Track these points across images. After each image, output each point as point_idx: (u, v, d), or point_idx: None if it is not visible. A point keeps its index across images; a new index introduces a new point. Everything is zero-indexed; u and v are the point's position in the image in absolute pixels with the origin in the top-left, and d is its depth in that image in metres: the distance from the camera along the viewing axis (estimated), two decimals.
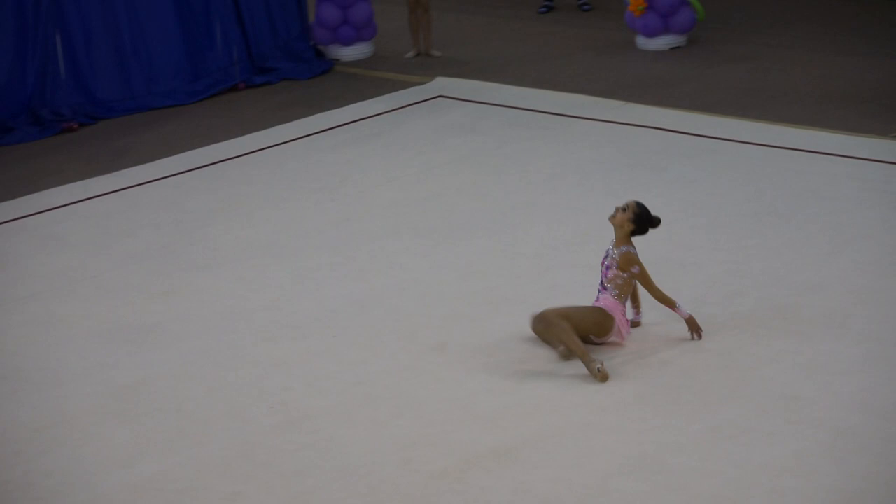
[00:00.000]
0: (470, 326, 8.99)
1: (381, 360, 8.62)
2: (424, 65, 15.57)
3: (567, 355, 8.33)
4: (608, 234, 10.26)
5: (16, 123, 13.79)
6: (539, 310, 8.52)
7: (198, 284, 9.93)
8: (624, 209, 8.58)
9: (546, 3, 17.86)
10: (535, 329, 8.50)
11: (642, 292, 8.71)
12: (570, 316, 8.40)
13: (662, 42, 15.64)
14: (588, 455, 7.38)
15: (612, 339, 8.54)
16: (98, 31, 14.31)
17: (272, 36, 15.63)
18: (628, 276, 8.51)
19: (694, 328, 8.51)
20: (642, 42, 15.73)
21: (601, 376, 8.13)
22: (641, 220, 8.58)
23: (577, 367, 8.29)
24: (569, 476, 7.19)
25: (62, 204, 11.74)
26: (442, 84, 14.63)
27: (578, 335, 8.33)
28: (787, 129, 12.42)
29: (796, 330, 8.62)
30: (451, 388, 8.21)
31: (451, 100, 14.12)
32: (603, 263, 8.62)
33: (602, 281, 8.60)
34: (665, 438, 7.48)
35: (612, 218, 8.61)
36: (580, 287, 9.33)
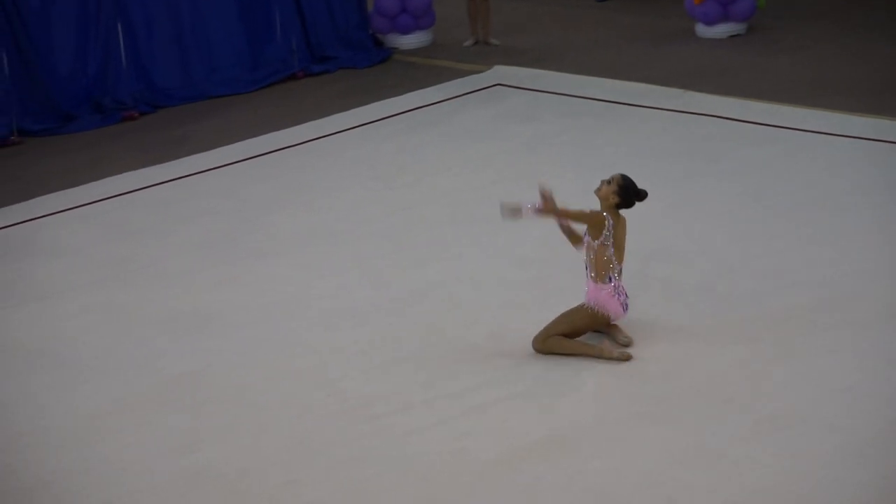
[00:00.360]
0: (526, 315, 8.98)
1: (438, 348, 8.64)
2: (483, 53, 15.57)
3: (624, 355, 8.29)
4: (664, 224, 10.26)
5: (78, 112, 13.92)
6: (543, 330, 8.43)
7: (257, 272, 9.99)
8: (609, 182, 8.40)
9: None
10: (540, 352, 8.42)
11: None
12: (562, 329, 8.33)
13: (722, 30, 15.55)
14: (643, 445, 7.37)
15: (615, 322, 8.46)
16: (159, 20, 14.41)
17: (331, 24, 15.68)
18: (599, 243, 8.29)
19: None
20: (702, 30, 15.66)
21: (624, 356, 8.17)
22: (627, 192, 8.38)
23: (636, 356, 8.27)
24: (624, 466, 7.19)
25: (122, 192, 11.84)
26: (500, 72, 14.63)
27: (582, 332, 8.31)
28: (846, 117, 12.32)
29: (853, 320, 8.57)
30: (508, 376, 8.22)
31: (509, 88, 14.12)
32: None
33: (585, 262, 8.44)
34: (720, 429, 7.46)
35: (598, 191, 8.41)
36: (639, 277, 9.31)
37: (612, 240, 8.33)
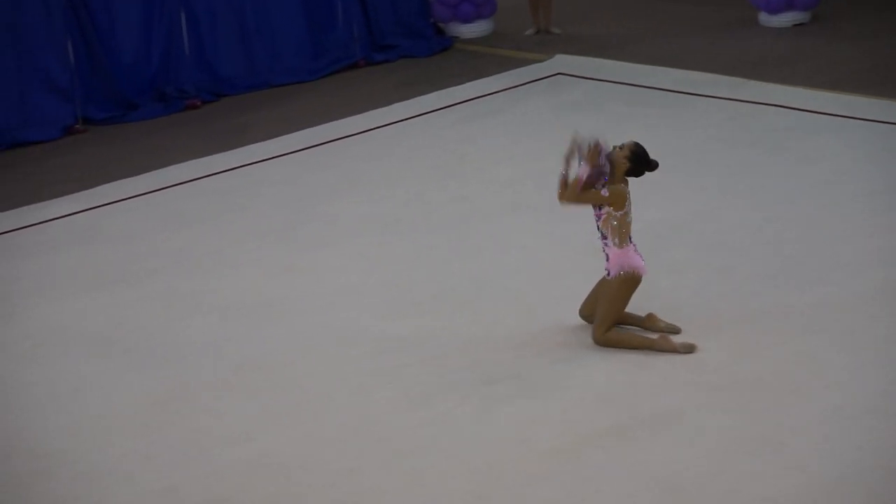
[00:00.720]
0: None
1: (498, 338, 8.62)
2: (544, 42, 15.53)
3: (688, 347, 8.25)
4: (726, 212, 10.19)
5: (141, 100, 14.01)
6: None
7: (316, 261, 10.01)
8: (621, 147, 8.30)
9: None
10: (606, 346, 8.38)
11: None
12: (612, 316, 8.27)
13: (786, 18, 15.42)
14: (705, 435, 7.32)
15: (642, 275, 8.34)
16: (222, 9, 14.47)
17: (392, 13, 15.68)
18: (623, 213, 8.21)
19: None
20: (765, 18, 15.53)
21: (689, 348, 8.14)
22: (638, 159, 8.28)
23: (698, 344, 8.23)
24: (685, 456, 7.15)
25: (185, 180, 11.90)
26: (561, 61, 14.58)
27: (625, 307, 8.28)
28: None
29: None
30: (569, 366, 8.19)
31: (570, 77, 14.07)
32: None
33: (598, 228, 8.35)
34: (784, 419, 7.40)
35: (609, 155, 8.27)
36: (701, 266, 9.26)
37: (631, 205, 8.23)
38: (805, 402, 7.56)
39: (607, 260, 8.37)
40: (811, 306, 8.62)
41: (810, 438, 7.20)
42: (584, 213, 10.34)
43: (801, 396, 7.62)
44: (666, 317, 8.51)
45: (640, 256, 8.35)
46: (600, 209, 8.31)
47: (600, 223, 8.35)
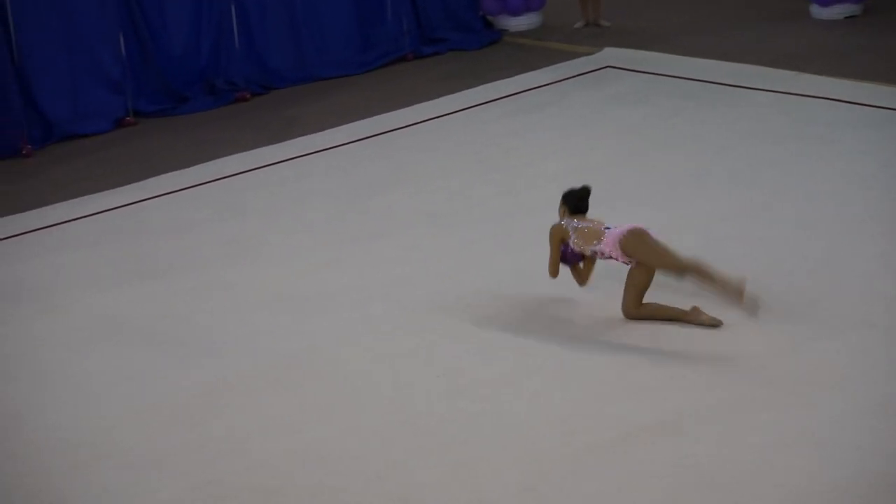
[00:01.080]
0: None
1: (545, 331, 8.62)
2: (593, 35, 15.49)
3: (713, 320, 8.42)
4: (777, 206, 10.14)
5: (191, 93, 14.08)
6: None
7: (364, 253, 10.04)
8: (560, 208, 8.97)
9: None
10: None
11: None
12: (640, 287, 8.59)
13: (837, 10, 15.32)
14: (750, 430, 7.29)
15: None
16: (272, 1, 14.52)
17: (442, 6, 15.69)
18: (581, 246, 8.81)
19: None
20: (816, 10, 15.43)
21: (715, 321, 8.39)
22: (569, 199, 8.94)
23: (741, 340, 8.20)
24: (730, 451, 7.12)
25: (234, 172, 11.96)
26: (610, 54, 14.54)
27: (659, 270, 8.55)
28: None
29: None
30: (615, 359, 8.18)
31: (619, 70, 14.03)
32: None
33: (591, 255, 8.87)
34: (831, 414, 7.35)
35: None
36: (749, 260, 9.22)
37: (581, 236, 8.78)
38: (852, 398, 7.51)
39: (618, 259, 8.69)
40: (858, 301, 8.56)
41: (853, 433, 7.15)
42: (632, 209, 10.32)
43: (850, 392, 7.57)
44: (711, 311, 8.48)
45: (618, 228, 8.70)
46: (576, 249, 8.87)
47: (587, 252, 8.80)
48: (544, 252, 9.79)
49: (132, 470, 7.39)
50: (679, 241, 9.73)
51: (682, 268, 8.50)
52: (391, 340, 8.65)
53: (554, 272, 8.94)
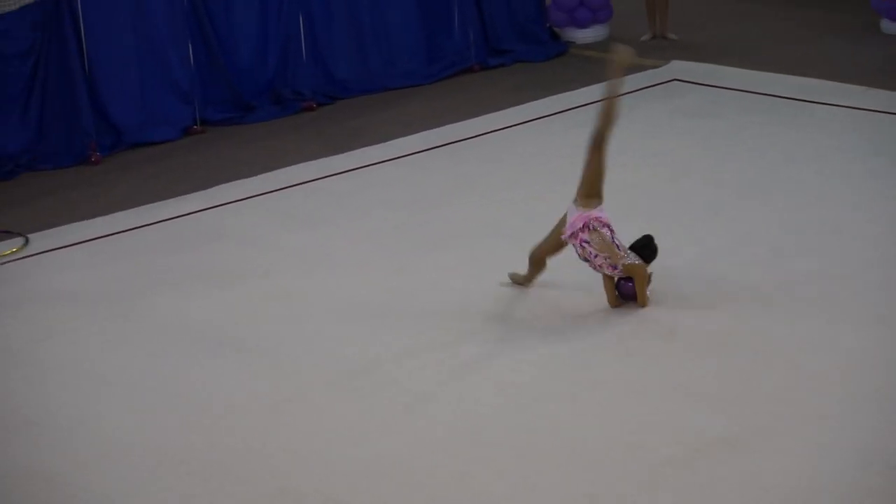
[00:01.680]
0: (701, 312, 8.89)
1: (610, 345, 8.59)
2: (660, 48, 15.43)
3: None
4: (846, 223, 10.06)
5: (258, 102, 14.14)
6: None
7: (430, 264, 10.04)
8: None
9: None
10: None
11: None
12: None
13: None
14: (822, 448, 7.23)
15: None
16: (339, 11, 14.56)
17: (508, 18, 15.68)
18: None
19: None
20: (887, 25, 15.30)
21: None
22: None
23: (812, 355, 8.14)
24: (801, 469, 7.06)
25: (299, 182, 11.99)
26: (678, 67, 14.48)
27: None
28: None
29: None
30: (681, 374, 8.14)
31: (686, 83, 13.97)
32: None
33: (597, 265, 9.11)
34: None
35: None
36: (816, 276, 9.15)
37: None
38: None
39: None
40: None
41: None
42: (698, 223, 10.27)
43: None
44: (783, 329, 8.41)
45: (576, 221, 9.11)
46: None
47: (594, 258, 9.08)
48: None
49: (201, 477, 7.43)
50: (743, 254, 9.70)
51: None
52: (453, 352, 8.65)
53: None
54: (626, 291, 9.03)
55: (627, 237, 10.20)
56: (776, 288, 9.11)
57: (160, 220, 11.30)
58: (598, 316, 8.99)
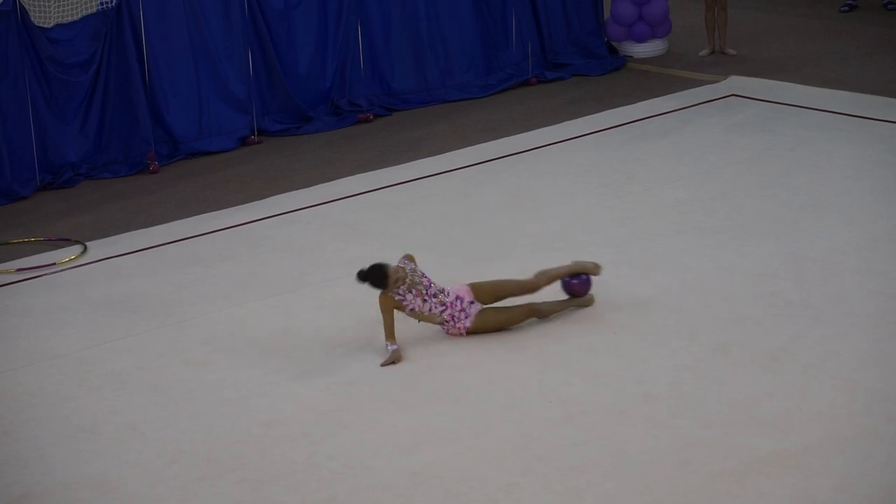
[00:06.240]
0: (753, 329, 8.86)
1: (662, 359, 8.57)
2: (718, 63, 15.39)
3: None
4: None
5: (315, 113, 14.22)
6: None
7: (483, 276, 10.02)
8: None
9: (849, 1, 17.40)
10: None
11: None
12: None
13: None
14: (872, 465, 7.18)
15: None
16: (397, 23, 14.61)
17: (566, 31, 15.68)
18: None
19: (395, 360, 8.80)
20: None
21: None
22: (373, 283, 8.92)
23: (863, 374, 8.09)
24: (852, 486, 7.02)
25: (355, 193, 12.05)
26: (735, 83, 14.44)
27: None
28: None
29: None
30: (732, 390, 8.11)
31: (744, 99, 13.92)
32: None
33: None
34: None
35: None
36: (868, 293, 9.09)
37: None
38: None
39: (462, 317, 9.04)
40: None
41: None
42: (753, 239, 10.23)
43: None
44: (835, 345, 8.36)
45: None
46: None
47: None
48: (663, 279, 9.76)
49: (251, 485, 7.47)
50: (798, 271, 9.65)
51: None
52: (505, 364, 8.66)
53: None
54: (575, 288, 9.25)
55: (677, 250, 10.19)
56: (829, 304, 9.06)
57: (215, 229, 11.37)
58: (649, 330, 8.97)
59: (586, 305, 9.35)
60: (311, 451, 7.78)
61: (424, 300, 8.98)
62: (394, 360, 8.78)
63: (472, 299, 9.07)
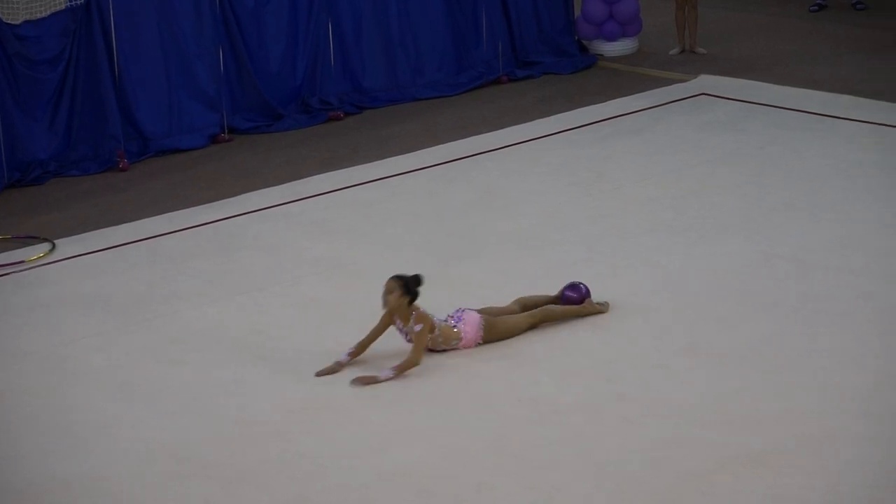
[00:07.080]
0: (723, 328, 8.88)
1: (632, 358, 8.58)
2: (689, 62, 15.40)
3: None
4: (871, 241, 10.02)
5: (286, 111, 14.17)
6: None
7: (453, 275, 10.04)
8: (390, 291, 8.69)
9: (818, 1, 17.44)
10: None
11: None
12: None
13: None
14: (843, 465, 7.20)
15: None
16: (368, 21, 14.57)
17: (537, 30, 15.68)
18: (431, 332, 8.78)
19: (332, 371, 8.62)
20: None
21: (601, 308, 9.13)
22: (409, 287, 8.72)
23: (838, 372, 8.11)
24: (822, 485, 7.04)
25: (325, 191, 12.01)
26: (705, 81, 14.46)
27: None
28: None
29: None
30: (702, 389, 8.13)
31: (714, 98, 13.94)
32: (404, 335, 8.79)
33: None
34: None
35: (387, 304, 8.73)
36: (839, 292, 9.12)
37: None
38: None
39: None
40: None
41: None
42: (723, 238, 10.25)
43: None
44: (806, 345, 8.39)
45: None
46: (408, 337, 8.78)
47: (430, 345, 8.73)
48: (634, 277, 9.77)
49: (220, 483, 7.45)
50: (767, 270, 9.68)
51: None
52: (476, 363, 8.66)
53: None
54: (570, 300, 9.21)
55: (647, 248, 10.22)
56: (800, 303, 9.09)
57: (185, 227, 11.32)
58: (620, 330, 8.98)
59: (602, 312, 9.21)
60: (282, 449, 7.76)
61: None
62: (331, 371, 8.65)
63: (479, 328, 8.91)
